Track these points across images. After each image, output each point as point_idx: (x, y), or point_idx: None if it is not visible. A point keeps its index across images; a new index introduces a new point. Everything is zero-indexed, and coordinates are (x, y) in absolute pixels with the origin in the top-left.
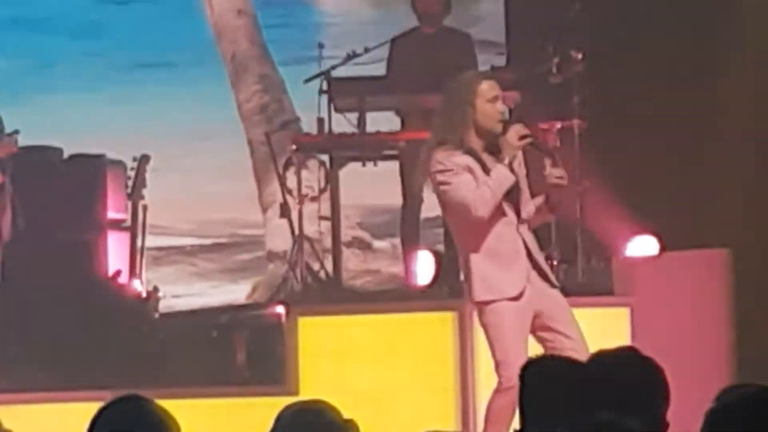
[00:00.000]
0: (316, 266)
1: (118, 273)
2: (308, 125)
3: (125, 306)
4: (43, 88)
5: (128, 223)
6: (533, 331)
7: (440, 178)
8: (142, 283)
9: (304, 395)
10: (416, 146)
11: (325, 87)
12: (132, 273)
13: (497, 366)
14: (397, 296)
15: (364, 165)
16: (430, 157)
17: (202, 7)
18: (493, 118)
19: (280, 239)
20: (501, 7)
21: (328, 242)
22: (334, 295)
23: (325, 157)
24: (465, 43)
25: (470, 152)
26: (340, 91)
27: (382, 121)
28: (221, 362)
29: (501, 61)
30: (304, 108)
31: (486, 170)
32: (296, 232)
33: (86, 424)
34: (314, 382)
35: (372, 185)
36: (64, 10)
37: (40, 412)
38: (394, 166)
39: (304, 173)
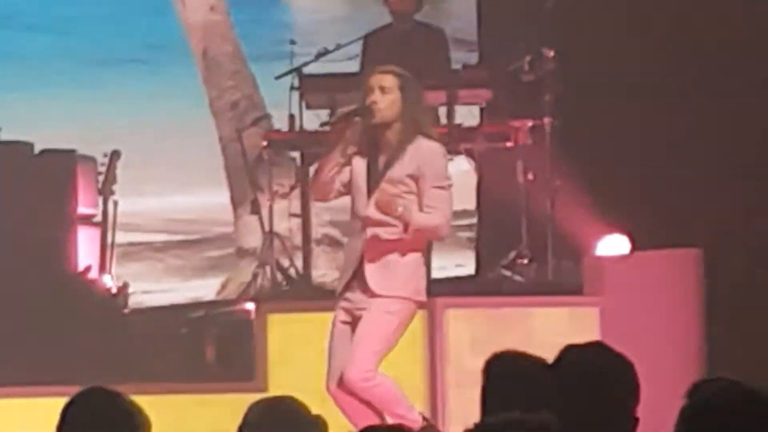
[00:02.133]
0: (286, 263)
1: (88, 268)
2: (279, 122)
3: (95, 301)
4: (12, 84)
5: (99, 218)
6: None
7: None
8: (112, 278)
9: (273, 392)
10: None
11: (296, 84)
12: (102, 269)
13: None
14: None
15: None
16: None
17: (173, 2)
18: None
19: (250, 236)
20: (473, 4)
21: (298, 239)
22: (303, 292)
23: (296, 154)
24: (439, 38)
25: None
26: (312, 87)
27: None
28: (190, 358)
29: (473, 58)
30: (275, 105)
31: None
32: (266, 229)
33: (54, 419)
34: (283, 379)
35: None
36: (32, 5)
37: (7, 407)
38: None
39: (274, 170)
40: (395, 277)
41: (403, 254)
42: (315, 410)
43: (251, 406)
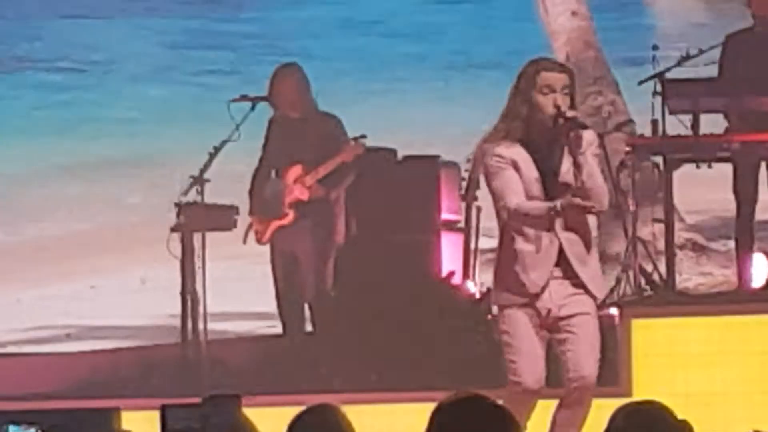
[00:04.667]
0: (649, 268)
1: (451, 274)
2: (642, 127)
3: (458, 307)
4: (375, 90)
5: (462, 224)
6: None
7: (487, 163)
8: (475, 284)
9: (638, 396)
10: (750, 148)
11: (659, 89)
12: (465, 274)
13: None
14: (730, 299)
15: (698, 167)
16: (481, 143)
17: (535, 8)
18: (544, 110)
19: (613, 241)
20: None
21: (661, 244)
22: (667, 297)
23: (659, 159)
24: None
25: (522, 143)
26: (675, 92)
27: (715, 123)
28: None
29: None
30: (638, 110)
31: (539, 164)
32: (630, 234)
33: (417, 426)
34: (647, 384)
35: (705, 187)
36: (395, 13)
37: (371, 413)
38: (728, 168)
39: (637, 175)
40: (598, 273)
41: (589, 246)
42: (680, 415)
43: (616, 411)
